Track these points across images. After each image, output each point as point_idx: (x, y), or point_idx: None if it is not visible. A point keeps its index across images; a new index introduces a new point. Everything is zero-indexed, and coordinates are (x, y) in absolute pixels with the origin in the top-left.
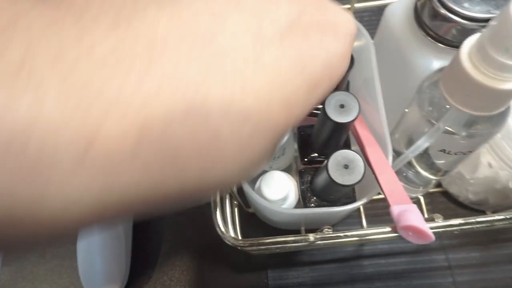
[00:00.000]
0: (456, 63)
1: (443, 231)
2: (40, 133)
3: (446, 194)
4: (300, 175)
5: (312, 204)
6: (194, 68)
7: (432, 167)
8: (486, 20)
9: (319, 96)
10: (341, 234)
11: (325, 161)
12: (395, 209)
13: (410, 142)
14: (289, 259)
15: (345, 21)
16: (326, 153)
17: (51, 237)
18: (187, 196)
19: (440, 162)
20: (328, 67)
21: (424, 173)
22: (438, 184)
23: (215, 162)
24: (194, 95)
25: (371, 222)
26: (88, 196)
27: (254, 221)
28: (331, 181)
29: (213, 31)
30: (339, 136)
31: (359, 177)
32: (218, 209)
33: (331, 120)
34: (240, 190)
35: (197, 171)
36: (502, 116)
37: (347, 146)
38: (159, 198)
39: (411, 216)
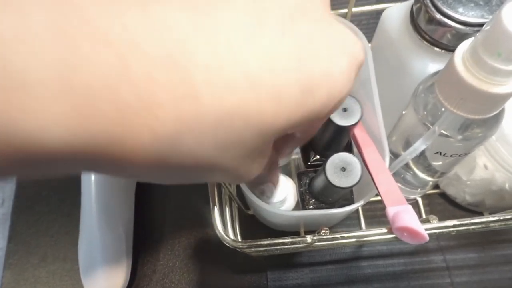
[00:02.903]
0: (450, 67)
1: (439, 232)
2: (23, 55)
3: (444, 195)
4: (299, 178)
5: (311, 206)
6: (186, 26)
7: (429, 169)
8: (480, 25)
9: (314, 103)
10: (338, 236)
11: (324, 164)
12: (390, 210)
13: (407, 144)
14: (288, 260)
15: (354, 42)
16: (328, 156)
17: (24, 164)
18: (160, 160)
19: (436, 164)
20: (328, 75)
21: (421, 175)
22: (436, 186)
23: (190, 123)
24: (179, 47)
25: (370, 224)
26: (66, 126)
27: (254, 223)
28: (329, 183)
29: (214, 4)
30: (341, 138)
31: (356, 180)
32: (216, 211)
33: (334, 123)
34: (240, 192)
35: (171, 124)
36: (496, 119)
37: (348, 148)
38: (126, 153)
39: (406, 216)
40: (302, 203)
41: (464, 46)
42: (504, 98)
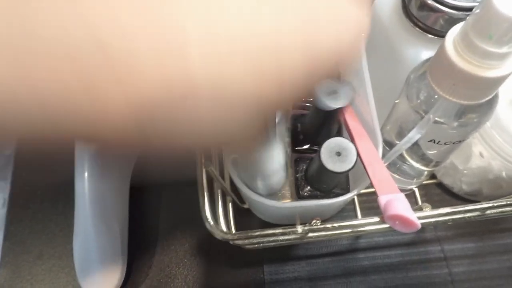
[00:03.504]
0: (441, 52)
1: (433, 221)
2: None
3: (441, 185)
4: (296, 163)
5: (306, 193)
6: None
7: (423, 158)
8: (473, 9)
9: (321, 73)
10: (330, 226)
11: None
12: (382, 199)
13: (400, 133)
14: (284, 253)
15: (357, 13)
16: (318, 142)
17: None
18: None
19: (430, 152)
20: (337, 41)
21: (416, 165)
22: (433, 176)
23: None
24: (173, 21)
25: (367, 215)
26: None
27: (251, 218)
28: (323, 168)
29: None
30: (330, 124)
31: (350, 165)
32: (206, 203)
33: (320, 106)
34: (233, 186)
35: (157, 80)
36: (490, 104)
37: (339, 135)
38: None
39: (397, 204)
40: (297, 190)
41: (454, 31)
42: (496, 82)
